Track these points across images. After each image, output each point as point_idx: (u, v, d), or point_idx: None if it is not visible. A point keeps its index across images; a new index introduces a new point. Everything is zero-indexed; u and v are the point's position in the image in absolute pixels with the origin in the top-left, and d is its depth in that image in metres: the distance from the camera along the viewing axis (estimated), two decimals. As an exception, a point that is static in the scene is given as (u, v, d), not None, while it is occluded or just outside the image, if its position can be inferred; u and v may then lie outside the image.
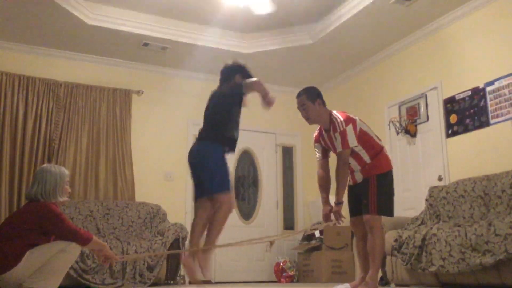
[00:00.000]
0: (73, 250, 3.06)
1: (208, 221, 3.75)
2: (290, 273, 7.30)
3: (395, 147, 6.62)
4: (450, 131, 5.81)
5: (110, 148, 6.86)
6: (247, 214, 7.85)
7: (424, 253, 4.59)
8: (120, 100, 7.08)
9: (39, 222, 3.00)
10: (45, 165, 3.28)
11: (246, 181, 7.99)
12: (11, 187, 6.20)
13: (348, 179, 3.98)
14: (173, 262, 6.13)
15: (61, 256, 3.00)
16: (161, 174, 7.14)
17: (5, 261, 2.91)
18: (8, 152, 6.24)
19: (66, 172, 3.27)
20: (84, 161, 6.69)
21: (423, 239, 4.62)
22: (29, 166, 6.31)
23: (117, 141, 6.92)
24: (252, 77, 3.80)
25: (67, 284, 5.32)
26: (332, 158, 4.02)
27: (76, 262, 5.40)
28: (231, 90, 3.70)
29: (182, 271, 6.62)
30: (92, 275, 5.53)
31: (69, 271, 5.24)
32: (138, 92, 7.24)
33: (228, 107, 3.69)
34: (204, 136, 3.69)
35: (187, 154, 3.75)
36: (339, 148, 3.78)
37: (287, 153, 8.33)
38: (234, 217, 7.69)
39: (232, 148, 3.75)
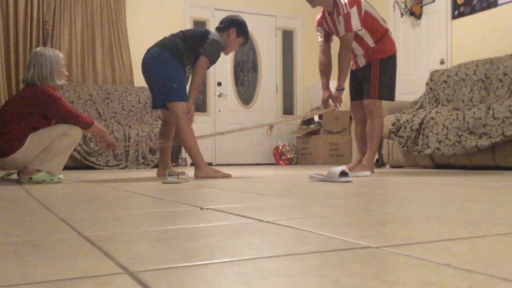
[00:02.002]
0: (75, 134, 3.09)
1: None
2: (289, 156, 7.50)
3: (399, 30, 6.44)
4: (456, 12, 5.61)
5: (105, 30, 6.68)
6: (246, 98, 7.86)
7: (421, 136, 4.67)
8: (113, -21, 6.74)
9: (38, 105, 2.99)
10: (38, 48, 3.19)
11: (245, 66, 7.89)
12: (8, 71, 6.14)
13: (351, 64, 3.89)
14: (175, 145, 6.25)
15: (63, 139, 3.04)
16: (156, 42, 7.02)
17: (9, 144, 2.95)
18: (2, 36, 6.09)
19: (61, 55, 3.19)
20: (80, 44, 6.55)
21: (421, 123, 4.67)
22: (24, 49, 6.20)
23: (112, 23, 6.71)
24: (247, 37, 3.65)
25: (72, 166, 5.49)
26: (335, 43, 3.90)
27: (80, 145, 5.52)
28: (210, 49, 3.44)
29: (184, 154, 6.79)
30: (96, 157, 5.68)
31: (73, 153, 5.38)
32: (131, -29, 6.87)
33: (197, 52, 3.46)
34: (160, 44, 3.47)
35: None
36: (342, 32, 3.66)
37: (287, 36, 8.13)
38: (234, 102, 7.71)
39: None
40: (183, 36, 3.49)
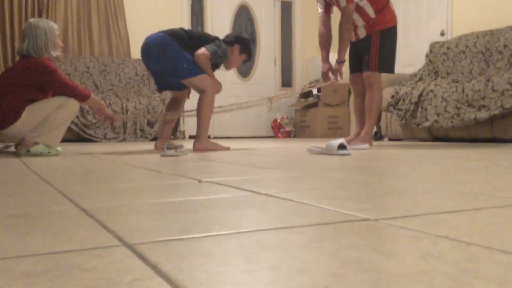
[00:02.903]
0: (72, 106, 3.07)
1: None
2: (287, 129, 7.50)
3: (399, 1, 6.35)
4: (458, -17, 5.53)
5: (101, 1, 6.57)
6: (244, 71, 7.81)
7: (419, 109, 4.66)
8: (108, -51, 6.61)
9: (35, 77, 2.96)
10: (32, 19, 3.14)
11: (243, 38, 7.81)
12: (3, 43, 6.07)
13: (351, 36, 3.85)
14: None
15: (60, 112, 3.03)
16: (156, 31, 6.93)
17: (6, 116, 2.94)
18: (-4, 7, 6.02)
19: (55, 25, 3.15)
20: (76, 15, 6.46)
21: (420, 95, 4.65)
22: (20, 20, 6.11)
23: (108, -6, 6.61)
24: (250, 54, 3.69)
25: (70, 138, 5.48)
26: (335, 15, 3.85)
27: (77, 117, 5.50)
28: (215, 53, 3.40)
29: (182, 127, 6.78)
30: (94, 129, 5.67)
31: (71, 126, 5.36)
32: None
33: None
34: (164, 31, 3.45)
35: (141, 50, 3.52)
36: (343, 3, 3.60)
37: (286, 8, 8.02)
38: (232, 74, 7.66)
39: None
40: (190, 32, 3.47)
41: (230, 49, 3.59)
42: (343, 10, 3.63)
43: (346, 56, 3.83)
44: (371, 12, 3.69)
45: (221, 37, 3.64)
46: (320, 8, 3.89)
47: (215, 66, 3.62)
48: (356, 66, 3.92)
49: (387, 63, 3.76)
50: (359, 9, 3.68)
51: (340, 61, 3.73)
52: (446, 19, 5.73)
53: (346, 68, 3.95)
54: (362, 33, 3.79)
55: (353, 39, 3.91)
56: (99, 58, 6.38)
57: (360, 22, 3.75)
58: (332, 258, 0.55)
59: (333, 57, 3.78)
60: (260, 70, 7.87)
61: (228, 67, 3.72)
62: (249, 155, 2.78)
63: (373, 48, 3.70)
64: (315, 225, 0.75)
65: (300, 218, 0.81)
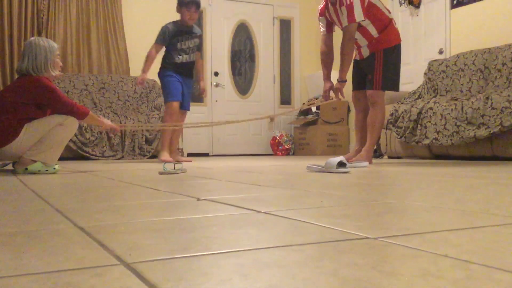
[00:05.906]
0: (70, 124, 3.07)
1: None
2: (286, 146, 7.49)
3: (397, 20, 6.41)
4: (455, 1, 5.59)
5: (100, 19, 6.62)
6: (243, 89, 7.83)
7: (419, 127, 4.67)
8: (108, -32, 6.68)
9: (33, 96, 2.97)
10: (32, 38, 3.16)
11: (242, 56, 7.86)
12: (2, 60, 6.09)
13: (354, 54, 3.86)
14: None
15: (59, 130, 3.02)
16: (155, 48, 6.97)
17: (4, 135, 2.93)
18: (-4, 25, 6.05)
19: (56, 45, 3.16)
20: (75, 33, 6.50)
21: (419, 113, 4.66)
22: (19, 38, 6.15)
23: (107, 12, 6.66)
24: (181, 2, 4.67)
25: (68, 156, 5.47)
26: (338, 34, 3.86)
27: (75, 135, 5.49)
28: (157, 37, 4.74)
29: (180, 144, 6.77)
30: (91, 147, 5.66)
31: (69, 144, 5.36)
32: (128, -40, 6.79)
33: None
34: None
35: None
36: (345, 23, 3.61)
37: (285, 26, 8.09)
38: (231, 92, 7.69)
39: (178, 71, 4.70)
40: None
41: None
42: (345, 30, 3.63)
43: (349, 74, 3.83)
44: (374, 32, 3.70)
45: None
46: (322, 27, 3.89)
47: (176, 38, 4.64)
48: (359, 84, 3.92)
49: (392, 81, 3.76)
50: (361, 29, 3.69)
51: (341, 81, 3.72)
52: (445, 37, 5.78)
53: (347, 86, 3.96)
54: (365, 52, 3.80)
55: (357, 58, 3.91)
56: (98, 76, 6.40)
57: (363, 41, 3.76)
58: (332, 277, 0.55)
59: (334, 75, 3.78)
60: (259, 88, 7.90)
61: (184, 23, 4.64)
62: (247, 172, 2.78)
63: (376, 67, 3.70)
64: (315, 244, 0.74)
65: (299, 236, 0.80)
